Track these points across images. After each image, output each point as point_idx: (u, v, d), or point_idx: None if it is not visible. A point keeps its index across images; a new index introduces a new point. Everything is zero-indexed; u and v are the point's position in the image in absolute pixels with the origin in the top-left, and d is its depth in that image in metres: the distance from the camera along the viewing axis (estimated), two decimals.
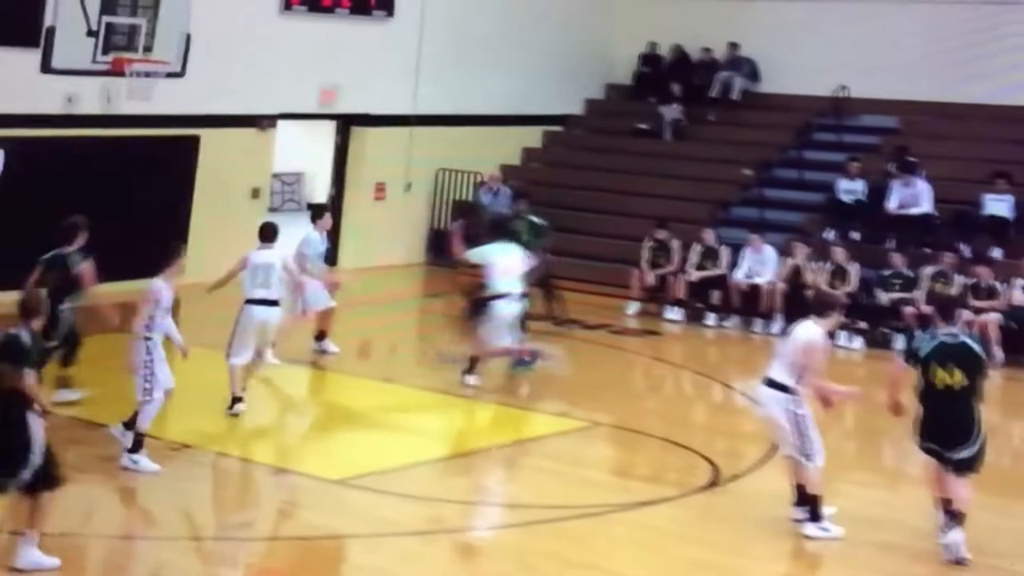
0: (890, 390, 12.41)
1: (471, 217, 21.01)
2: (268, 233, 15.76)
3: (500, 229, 18.06)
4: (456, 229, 20.20)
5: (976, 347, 12.25)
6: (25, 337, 10.63)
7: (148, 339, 13.13)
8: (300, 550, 11.78)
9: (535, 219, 21.19)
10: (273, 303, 15.54)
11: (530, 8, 27.95)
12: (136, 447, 13.11)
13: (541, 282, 20.97)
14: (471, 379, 17.20)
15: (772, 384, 12.47)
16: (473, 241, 18.35)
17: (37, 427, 10.54)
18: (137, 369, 13.11)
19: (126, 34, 20.20)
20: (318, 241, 18.23)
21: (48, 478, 10.58)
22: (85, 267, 14.99)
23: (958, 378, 12.00)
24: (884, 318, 21.37)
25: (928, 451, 12.20)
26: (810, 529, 12.44)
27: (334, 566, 11.75)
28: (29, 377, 10.51)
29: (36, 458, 10.50)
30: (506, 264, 17.31)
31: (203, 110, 22.11)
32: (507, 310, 17.21)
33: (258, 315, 15.38)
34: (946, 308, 12.70)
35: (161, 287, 13.30)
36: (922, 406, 12.15)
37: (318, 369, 18.08)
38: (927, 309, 20.55)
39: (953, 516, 11.99)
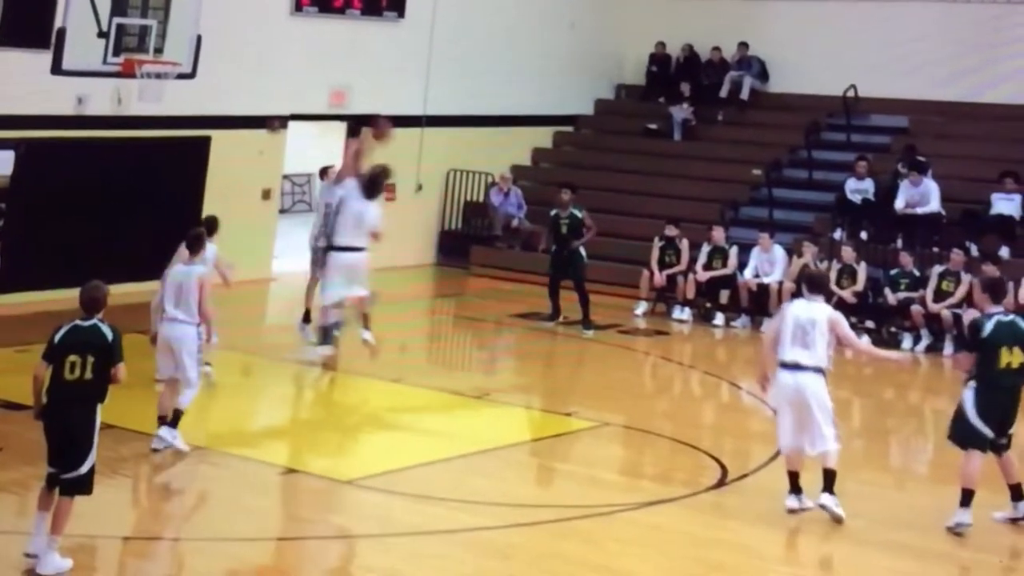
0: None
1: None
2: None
3: (373, 186, 17.47)
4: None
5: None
6: (105, 329, 10.64)
7: (198, 325, 13.80)
8: (310, 551, 11.82)
9: (577, 212, 21.28)
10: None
11: (540, 9, 27.98)
12: (176, 422, 13.60)
13: (576, 285, 21.06)
14: (322, 348, 17.24)
15: (808, 368, 12.58)
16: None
17: (98, 425, 10.64)
18: (194, 353, 13.76)
19: (137, 35, 20.19)
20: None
21: (91, 481, 10.63)
22: None
23: (1017, 356, 12.32)
24: (892, 318, 21.39)
25: (982, 440, 12.43)
26: (826, 499, 12.63)
27: (344, 567, 11.79)
28: (121, 371, 10.60)
29: (93, 457, 10.56)
30: (359, 215, 17.16)
31: (214, 111, 22.17)
32: (346, 260, 17.16)
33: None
34: (996, 287, 13.03)
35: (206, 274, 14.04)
36: (981, 387, 12.39)
37: (327, 370, 18.11)
38: (934, 308, 20.67)
39: (1018, 492, 12.59)
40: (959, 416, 12.60)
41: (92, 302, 10.75)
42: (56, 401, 10.59)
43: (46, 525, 10.52)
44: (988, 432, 12.42)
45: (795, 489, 12.91)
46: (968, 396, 12.49)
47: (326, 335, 17.30)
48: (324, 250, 17.77)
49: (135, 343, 14.14)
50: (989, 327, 12.42)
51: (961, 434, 12.61)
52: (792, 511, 12.86)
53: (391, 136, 18.00)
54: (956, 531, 12.52)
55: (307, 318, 18.71)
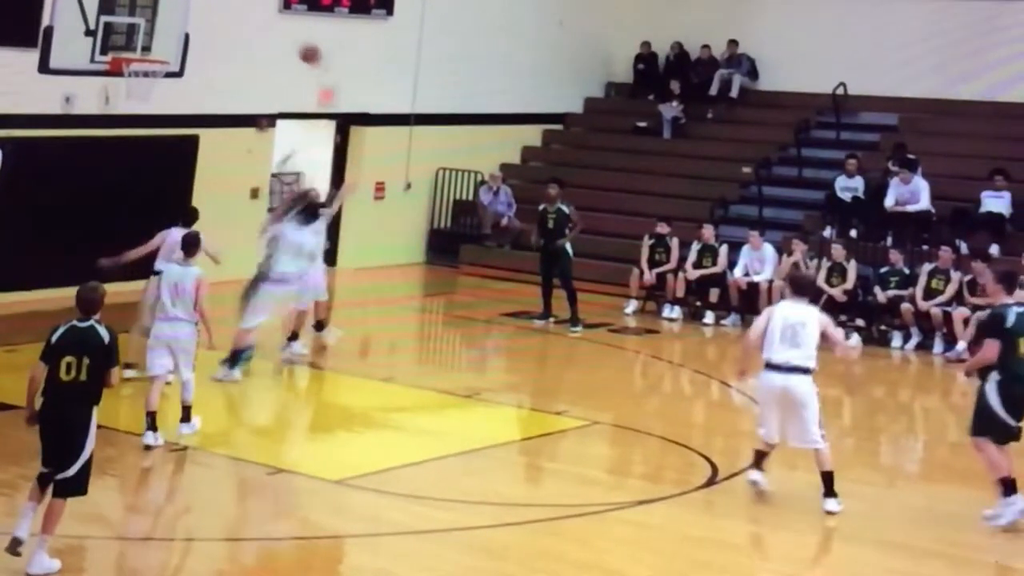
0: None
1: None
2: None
3: (309, 210, 17.33)
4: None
5: None
6: (102, 331, 10.59)
7: (196, 323, 14.19)
8: (300, 550, 11.79)
9: (564, 207, 21.24)
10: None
11: (530, 7, 27.95)
12: (189, 417, 14.13)
13: (563, 281, 21.04)
14: (233, 372, 16.61)
15: (798, 368, 12.68)
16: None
17: (94, 426, 10.58)
18: (191, 351, 14.22)
19: (124, 34, 20.12)
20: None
21: (84, 482, 10.57)
22: None
23: None
24: (881, 316, 21.38)
25: (1005, 432, 12.44)
26: (831, 504, 12.75)
27: (334, 566, 11.77)
28: (115, 376, 10.62)
29: (84, 458, 10.50)
30: (298, 246, 17.05)
31: (202, 110, 22.12)
32: (277, 291, 16.95)
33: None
34: (1010, 279, 13.10)
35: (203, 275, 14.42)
36: (1005, 378, 12.40)
37: (317, 369, 18.07)
38: (924, 306, 20.66)
39: (1012, 486, 12.50)
40: (982, 410, 12.56)
41: (89, 303, 10.71)
42: (51, 402, 10.54)
43: (34, 514, 10.48)
44: (1013, 423, 12.45)
45: (758, 466, 13.08)
46: (991, 389, 12.48)
47: (236, 358, 16.64)
48: (259, 278, 17.06)
49: (124, 342, 14.14)
50: (1012, 317, 12.49)
51: (985, 426, 12.57)
52: (754, 483, 13.06)
53: (319, 55, 18.20)
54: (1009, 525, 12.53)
55: (319, 327, 18.25)
